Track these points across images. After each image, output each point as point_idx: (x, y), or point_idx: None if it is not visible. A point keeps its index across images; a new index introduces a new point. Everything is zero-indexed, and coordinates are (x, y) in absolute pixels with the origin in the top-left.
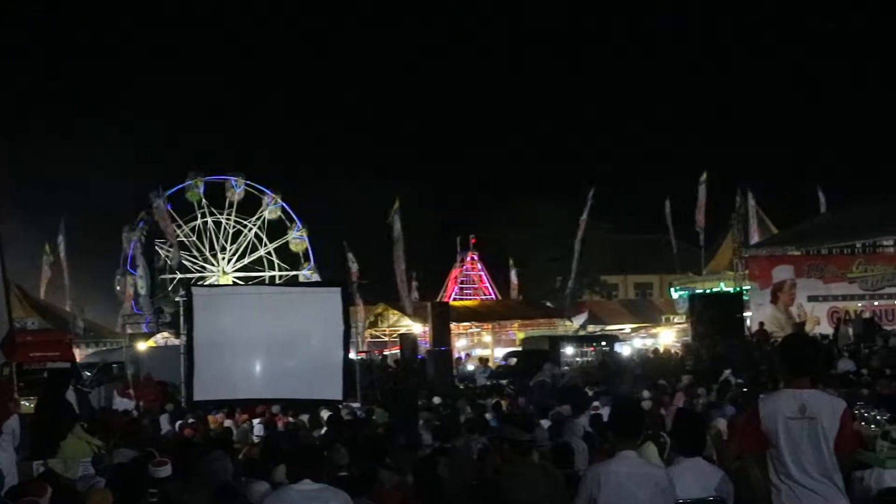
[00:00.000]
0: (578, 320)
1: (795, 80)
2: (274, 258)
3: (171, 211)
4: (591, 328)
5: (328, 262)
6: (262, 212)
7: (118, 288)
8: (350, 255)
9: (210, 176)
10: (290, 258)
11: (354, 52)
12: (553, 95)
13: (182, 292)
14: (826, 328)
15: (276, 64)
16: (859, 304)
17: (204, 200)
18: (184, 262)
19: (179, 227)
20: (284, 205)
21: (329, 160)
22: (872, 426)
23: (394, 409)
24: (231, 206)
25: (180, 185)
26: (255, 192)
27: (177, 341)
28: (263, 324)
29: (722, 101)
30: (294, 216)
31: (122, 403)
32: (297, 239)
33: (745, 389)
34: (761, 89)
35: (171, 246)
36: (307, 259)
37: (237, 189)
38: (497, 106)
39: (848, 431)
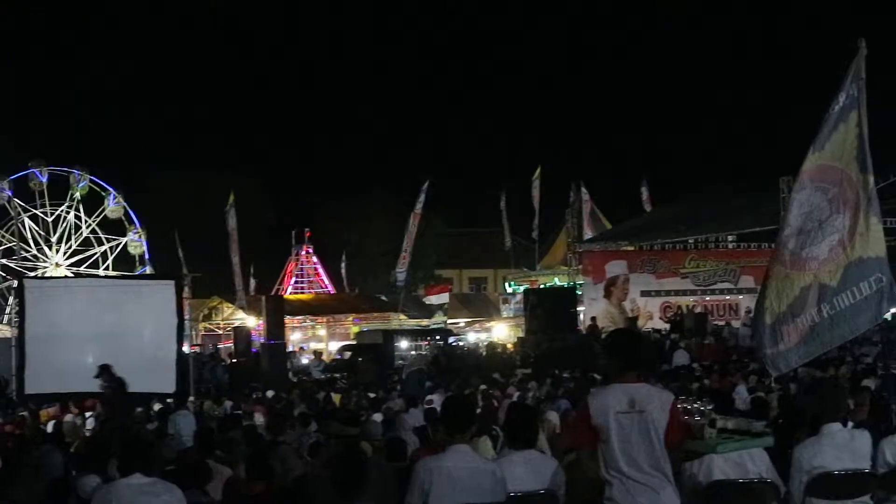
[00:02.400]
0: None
1: (622, 76)
2: (110, 257)
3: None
4: (425, 322)
5: (162, 254)
6: (102, 210)
7: None
8: (180, 249)
9: (53, 167)
10: (127, 260)
11: (193, 45)
12: (389, 88)
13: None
14: (659, 323)
15: (111, 54)
16: (691, 300)
17: (45, 191)
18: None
19: (18, 215)
20: (125, 205)
21: (164, 152)
22: (697, 417)
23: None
24: (72, 199)
25: (23, 173)
26: (100, 190)
27: (9, 333)
28: (96, 317)
29: (557, 97)
30: (133, 217)
31: None
32: (135, 241)
33: (573, 384)
34: (593, 86)
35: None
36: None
37: (80, 184)
38: (333, 99)
39: (676, 423)
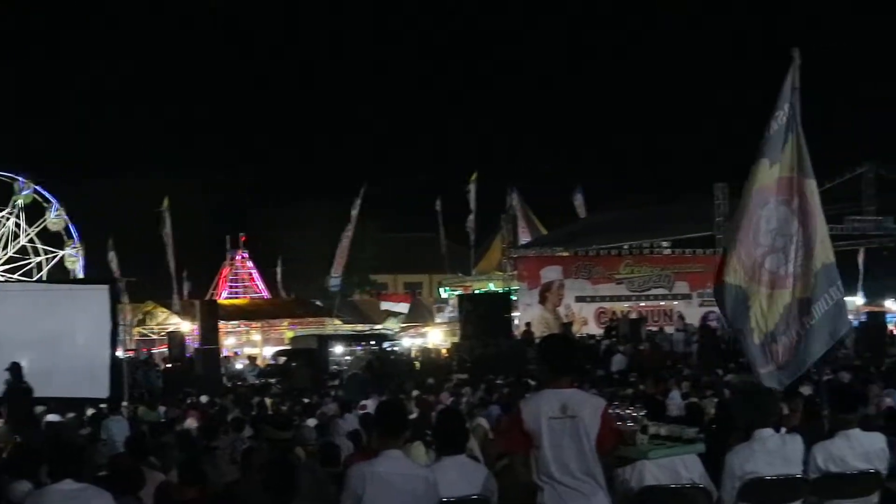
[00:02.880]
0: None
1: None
2: (45, 268)
3: None
4: (359, 327)
5: (95, 257)
6: (44, 221)
7: None
8: (112, 253)
9: None
10: (62, 273)
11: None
12: (326, 93)
13: None
14: (594, 328)
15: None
16: (626, 305)
17: None
18: None
19: None
20: (67, 219)
21: (97, 155)
22: (630, 423)
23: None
24: (14, 206)
25: None
26: (42, 201)
27: None
28: (30, 321)
29: (491, 103)
30: (73, 232)
31: None
32: (73, 256)
33: (507, 390)
34: (527, 93)
35: None
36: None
37: (24, 192)
38: (269, 103)
39: (608, 429)
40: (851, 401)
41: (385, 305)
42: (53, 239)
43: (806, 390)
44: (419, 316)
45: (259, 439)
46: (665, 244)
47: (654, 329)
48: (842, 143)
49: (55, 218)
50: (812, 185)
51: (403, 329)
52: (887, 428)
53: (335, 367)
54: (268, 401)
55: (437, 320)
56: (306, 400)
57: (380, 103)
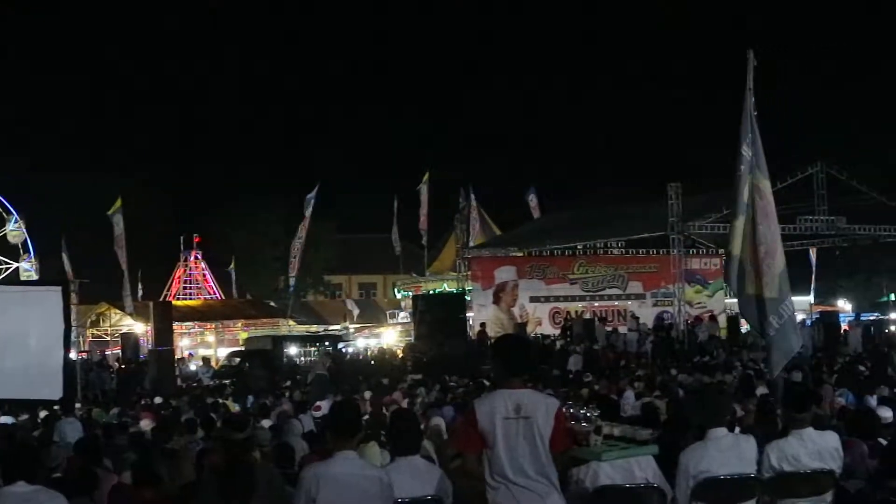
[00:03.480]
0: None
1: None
2: None
3: None
4: (314, 328)
5: (47, 259)
6: (3, 233)
7: None
8: (64, 254)
9: None
10: (8, 250)
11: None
12: (280, 93)
13: None
14: (548, 328)
15: None
16: (580, 305)
17: None
18: None
19: None
20: (25, 233)
21: (49, 153)
22: (584, 423)
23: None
24: None
25: None
26: (2, 211)
27: None
28: None
29: (448, 102)
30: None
31: None
32: (27, 269)
33: (461, 390)
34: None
35: None
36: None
37: None
38: (223, 103)
39: (561, 429)
40: (804, 400)
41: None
42: (10, 251)
43: (761, 390)
44: (373, 317)
45: (212, 440)
46: (618, 244)
47: (609, 329)
48: (793, 143)
49: (14, 230)
50: (768, 186)
51: (358, 330)
52: (840, 427)
53: (292, 367)
54: (225, 402)
55: (392, 321)
56: (261, 401)
57: (334, 103)
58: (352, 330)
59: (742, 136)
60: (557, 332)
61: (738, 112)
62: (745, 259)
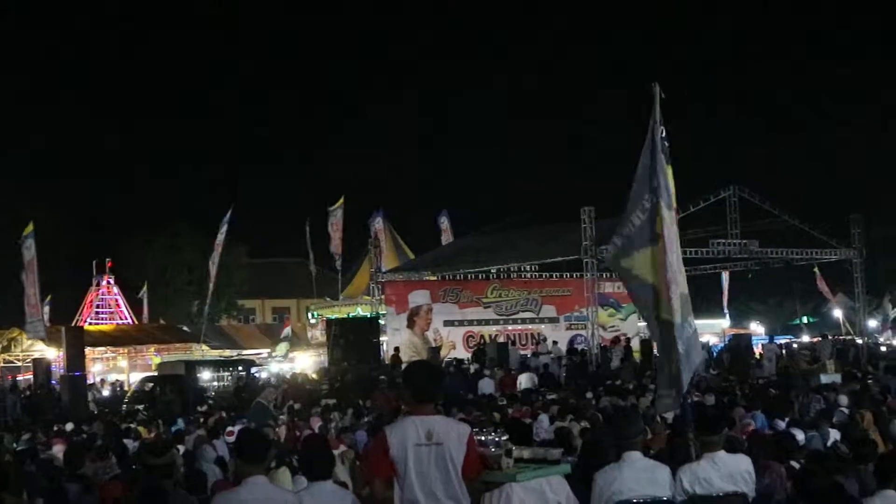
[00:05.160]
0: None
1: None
2: None
3: None
4: (227, 352)
5: None
6: None
7: None
8: None
9: None
10: None
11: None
12: (192, 120)
13: None
14: (462, 352)
15: None
16: (494, 329)
17: None
18: None
19: None
20: None
21: None
22: (493, 448)
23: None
24: None
25: None
26: None
27: None
28: None
29: (358, 125)
30: None
31: None
32: None
33: (373, 416)
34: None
35: None
36: None
37: None
38: (136, 130)
39: (473, 455)
40: (715, 423)
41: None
42: None
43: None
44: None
45: (123, 466)
46: (530, 268)
47: (526, 353)
48: (707, 167)
49: None
50: (673, 215)
51: (271, 354)
52: (752, 450)
53: (203, 392)
54: (138, 428)
55: (307, 345)
56: (174, 427)
57: (245, 128)
58: (265, 354)
59: (651, 166)
60: (470, 355)
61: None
62: (658, 286)
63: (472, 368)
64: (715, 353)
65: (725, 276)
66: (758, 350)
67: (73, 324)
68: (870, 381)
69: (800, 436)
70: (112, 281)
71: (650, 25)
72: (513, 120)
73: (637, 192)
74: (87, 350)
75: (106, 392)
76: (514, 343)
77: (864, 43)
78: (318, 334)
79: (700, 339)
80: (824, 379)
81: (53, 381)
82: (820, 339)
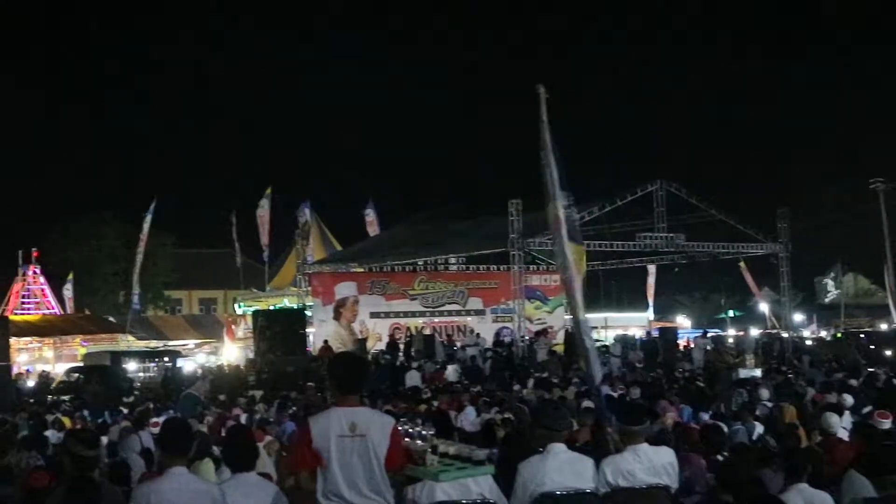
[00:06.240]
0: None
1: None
2: None
3: None
4: (153, 343)
5: None
6: None
7: None
8: None
9: None
10: None
11: None
12: (118, 110)
13: None
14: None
15: None
16: (420, 321)
17: None
18: None
19: None
20: None
21: None
22: (419, 441)
23: None
24: None
25: None
26: None
27: None
28: None
29: (287, 119)
30: None
31: None
32: None
33: (299, 408)
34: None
35: None
36: None
37: None
38: (60, 119)
39: (397, 448)
40: (638, 415)
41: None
42: None
43: (586, 403)
44: (213, 332)
45: (45, 457)
46: (454, 260)
47: (458, 345)
48: (634, 161)
49: None
50: (563, 212)
51: (198, 346)
52: (677, 443)
53: (130, 383)
54: (64, 418)
55: (234, 336)
56: (100, 419)
57: (173, 119)
58: (191, 345)
59: (548, 165)
60: (389, 346)
61: (576, 134)
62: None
63: (399, 360)
64: (638, 346)
65: (652, 269)
66: (682, 343)
67: None
68: (790, 375)
69: (725, 429)
70: (38, 271)
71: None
72: (443, 113)
73: (553, 190)
74: (13, 340)
75: (31, 383)
76: (440, 335)
77: (787, 41)
78: (244, 326)
79: (626, 333)
80: (744, 373)
81: None
82: (743, 333)
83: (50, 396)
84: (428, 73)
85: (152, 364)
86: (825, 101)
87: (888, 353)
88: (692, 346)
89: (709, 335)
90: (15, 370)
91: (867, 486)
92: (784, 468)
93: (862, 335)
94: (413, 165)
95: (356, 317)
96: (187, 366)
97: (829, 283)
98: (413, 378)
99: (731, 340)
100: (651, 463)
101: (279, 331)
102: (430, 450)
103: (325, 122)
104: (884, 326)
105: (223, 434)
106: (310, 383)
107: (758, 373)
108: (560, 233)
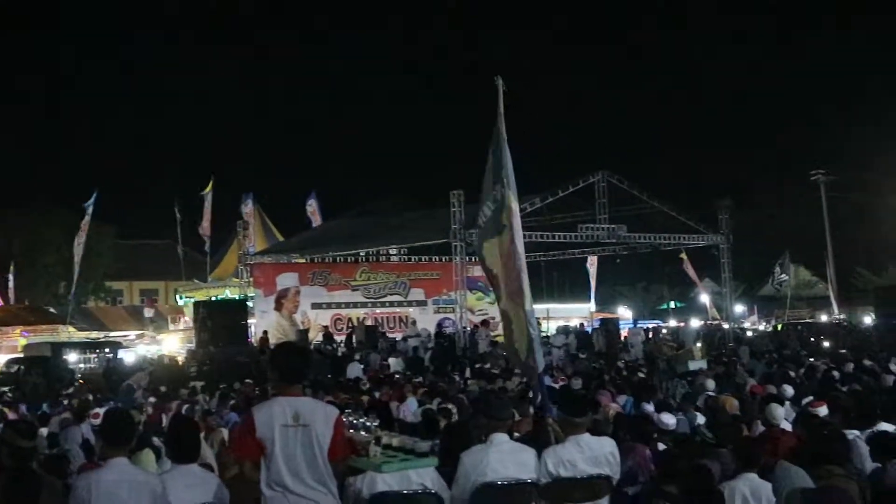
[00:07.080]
0: (148, 313)
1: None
2: None
3: None
4: (94, 334)
5: None
6: None
7: None
8: None
9: None
10: None
11: None
12: (62, 99)
13: None
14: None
15: None
16: (362, 312)
17: None
18: None
19: None
20: None
21: None
22: (363, 432)
23: None
24: None
25: None
26: None
27: None
28: None
29: (228, 110)
30: None
31: None
32: None
33: (243, 397)
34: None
35: None
36: None
37: None
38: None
39: (340, 438)
40: (580, 406)
41: (148, 313)
42: None
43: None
44: (154, 323)
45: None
46: (395, 252)
47: (397, 336)
48: (575, 152)
49: None
50: (517, 205)
51: (138, 336)
52: (617, 433)
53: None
54: (3, 409)
55: (174, 327)
56: (38, 411)
57: (116, 108)
58: (132, 336)
59: (498, 157)
60: (340, 338)
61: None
62: (499, 275)
63: (341, 351)
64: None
65: (593, 260)
66: (624, 333)
67: None
68: (732, 366)
69: (670, 420)
70: None
71: None
72: (386, 104)
73: (488, 182)
74: None
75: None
76: (381, 326)
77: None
78: (185, 316)
79: (568, 323)
80: (693, 366)
81: None
82: (684, 324)
83: None
84: (371, 66)
85: (93, 355)
86: (767, 92)
87: (827, 344)
88: (629, 336)
89: (641, 326)
90: None
91: (802, 476)
92: (738, 457)
93: (800, 327)
94: (357, 157)
95: (298, 307)
96: (128, 357)
97: (779, 271)
98: (354, 369)
99: (664, 332)
100: (593, 453)
101: (221, 322)
102: (373, 441)
103: (267, 113)
104: (824, 318)
105: (163, 425)
106: (248, 381)
107: (705, 364)
108: (512, 223)
